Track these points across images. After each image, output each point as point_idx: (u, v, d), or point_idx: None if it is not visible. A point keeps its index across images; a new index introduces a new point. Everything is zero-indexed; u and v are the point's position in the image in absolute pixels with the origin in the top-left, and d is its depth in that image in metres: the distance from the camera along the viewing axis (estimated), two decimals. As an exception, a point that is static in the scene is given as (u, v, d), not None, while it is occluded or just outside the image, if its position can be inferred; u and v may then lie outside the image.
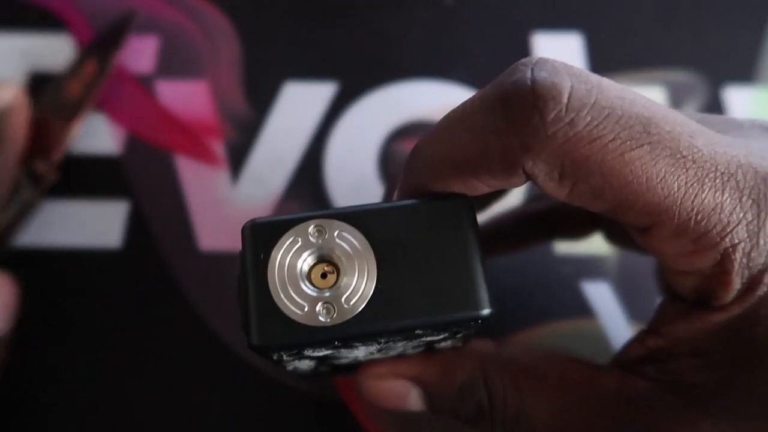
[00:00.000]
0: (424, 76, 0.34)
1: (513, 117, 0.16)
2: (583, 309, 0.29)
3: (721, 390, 0.17)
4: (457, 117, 0.17)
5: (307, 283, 0.16)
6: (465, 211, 0.17)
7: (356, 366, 0.22)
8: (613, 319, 0.28)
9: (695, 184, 0.16)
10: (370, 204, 0.17)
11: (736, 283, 0.16)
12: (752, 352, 0.17)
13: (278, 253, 0.16)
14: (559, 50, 0.34)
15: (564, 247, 0.30)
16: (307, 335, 0.15)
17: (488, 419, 0.20)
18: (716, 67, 0.34)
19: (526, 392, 0.19)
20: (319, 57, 0.34)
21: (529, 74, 0.16)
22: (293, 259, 0.16)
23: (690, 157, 0.16)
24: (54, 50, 0.34)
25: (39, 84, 0.33)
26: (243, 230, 0.16)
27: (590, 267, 0.29)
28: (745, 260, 0.16)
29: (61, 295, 0.29)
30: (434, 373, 0.20)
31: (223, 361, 0.27)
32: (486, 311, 0.16)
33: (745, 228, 0.16)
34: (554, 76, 0.16)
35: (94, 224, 0.30)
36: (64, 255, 0.29)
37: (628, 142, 0.15)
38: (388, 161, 0.32)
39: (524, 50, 0.34)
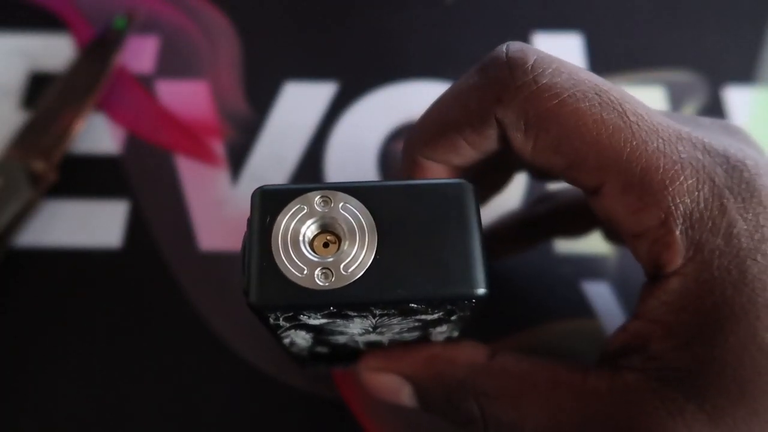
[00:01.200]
0: (424, 76, 0.34)
1: (488, 75, 0.19)
2: (583, 309, 0.29)
3: (698, 370, 0.18)
4: (445, 91, 0.21)
5: (309, 249, 0.16)
6: (468, 194, 0.17)
7: (353, 353, 0.23)
8: (613, 319, 0.28)
9: (640, 144, 0.18)
10: (377, 180, 0.17)
11: (681, 243, 0.18)
12: (714, 324, 0.18)
13: (284, 218, 0.16)
14: (559, 50, 0.34)
15: (564, 247, 0.30)
16: (303, 297, 0.16)
17: (481, 429, 0.20)
18: (716, 67, 0.34)
19: (520, 400, 0.20)
20: (319, 57, 0.34)
21: (504, 48, 0.19)
22: (297, 224, 0.16)
23: (635, 121, 0.18)
24: (54, 50, 0.34)
25: (39, 84, 0.33)
26: (252, 196, 0.17)
27: (590, 267, 0.29)
28: (687, 222, 0.18)
29: (61, 295, 0.29)
30: (426, 375, 0.21)
31: (223, 361, 0.27)
32: (481, 291, 0.16)
33: (685, 190, 0.17)
34: (524, 48, 0.19)
35: (94, 224, 0.30)
36: (64, 255, 0.29)
37: (582, 99, 0.18)
38: (387, 161, 0.32)
39: (524, 50, 0.34)
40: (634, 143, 0.18)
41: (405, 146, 0.22)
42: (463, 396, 0.20)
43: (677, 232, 0.18)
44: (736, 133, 0.20)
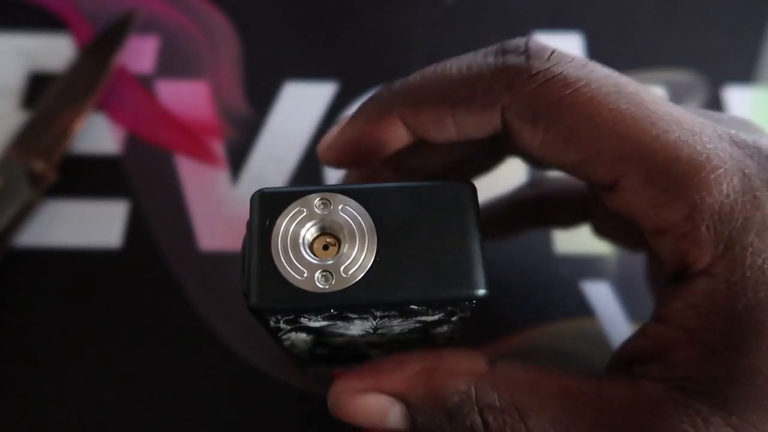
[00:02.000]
0: (424, 76, 0.34)
1: (504, 59, 0.18)
2: (583, 309, 0.29)
3: (725, 380, 0.17)
4: (451, 62, 0.20)
5: (309, 252, 0.16)
6: (468, 195, 0.17)
7: (353, 354, 0.22)
8: (613, 319, 0.28)
9: (660, 134, 0.17)
10: (376, 183, 0.17)
11: (708, 239, 0.16)
12: (748, 329, 0.16)
13: (283, 221, 0.16)
14: (559, 50, 0.34)
15: (564, 247, 0.30)
16: (304, 300, 0.16)
17: None
18: (716, 67, 0.34)
19: (527, 411, 0.18)
20: (319, 57, 0.34)
21: (524, 39, 0.19)
22: (297, 227, 0.16)
23: (655, 111, 0.17)
24: (54, 50, 0.34)
25: (39, 84, 0.33)
26: (252, 198, 0.17)
27: (590, 267, 0.29)
28: (715, 216, 0.16)
29: (61, 295, 0.29)
30: (421, 392, 0.19)
31: (223, 361, 0.27)
32: (481, 291, 0.16)
33: (710, 181, 0.16)
34: (543, 43, 0.19)
35: (94, 224, 0.30)
36: (64, 255, 0.29)
37: (597, 89, 0.17)
38: (388, 161, 0.32)
39: (524, 50, 0.34)
40: (655, 133, 0.17)
41: (380, 96, 0.20)
42: (466, 410, 0.19)
43: (703, 228, 0.16)
44: (756, 129, 0.19)
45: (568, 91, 0.17)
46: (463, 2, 0.36)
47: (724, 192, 0.16)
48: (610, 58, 0.34)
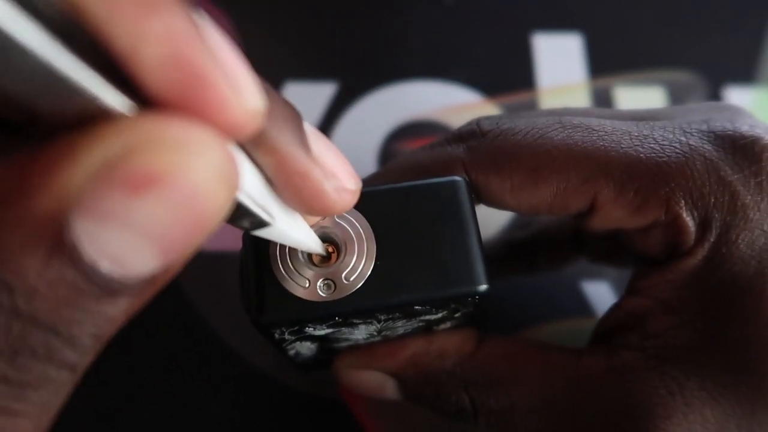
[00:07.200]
0: (424, 76, 0.34)
1: (461, 133, 0.20)
2: (583, 309, 0.29)
3: (699, 346, 0.17)
4: (423, 145, 0.21)
5: (309, 261, 0.16)
6: (461, 191, 0.17)
7: None
8: (613, 319, 0.28)
9: (615, 147, 0.18)
10: (370, 186, 0.17)
11: (690, 223, 0.18)
12: (720, 299, 0.17)
13: None
14: (559, 50, 0.34)
15: (564, 247, 0.30)
16: (307, 310, 0.16)
17: (471, 418, 0.20)
18: (716, 67, 0.34)
19: (511, 386, 0.19)
20: (319, 57, 0.34)
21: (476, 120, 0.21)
22: None
23: (601, 130, 0.18)
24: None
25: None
26: None
27: (590, 267, 0.29)
28: (690, 200, 0.17)
29: (61, 295, 0.29)
30: (411, 373, 0.20)
31: (223, 361, 0.27)
32: (483, 287, 0.16)
33: (677, 171, 0.17)
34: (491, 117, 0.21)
35: (94, 224, 0.30)
36: (64, 255, 0.29)
37: (546, 130, 0.19)
38: (388, 161, 0.32)
39: (524, 50, 0.34)
40: (610, 147, 0.18)
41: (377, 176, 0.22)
42: (452, 388, 0.20)
43: (683, 213, 0.17)
44: (726, 109, 0.20)
45: (519, 137, 0.19)
46: (463, 2, 0.36)
47: (690, 178, 0.17)
48: (610, 58, 0.35)
